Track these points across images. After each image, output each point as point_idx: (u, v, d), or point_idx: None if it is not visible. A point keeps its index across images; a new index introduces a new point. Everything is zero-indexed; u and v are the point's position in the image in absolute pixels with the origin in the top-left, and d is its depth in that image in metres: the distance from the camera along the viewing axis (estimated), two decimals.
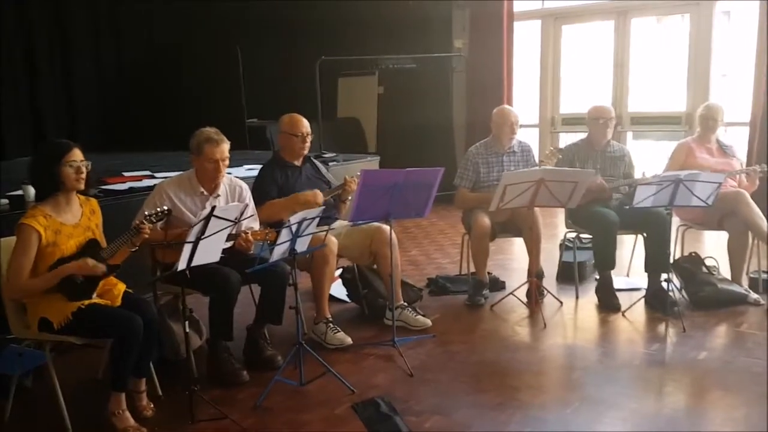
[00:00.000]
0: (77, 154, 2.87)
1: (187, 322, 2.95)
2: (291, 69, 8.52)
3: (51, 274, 2.80)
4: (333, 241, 3.80)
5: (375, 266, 4.13)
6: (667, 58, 7.93)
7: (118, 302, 2.96)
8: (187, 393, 2.95)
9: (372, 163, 6.86)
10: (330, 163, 6.15)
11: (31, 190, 3.30)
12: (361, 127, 8.99)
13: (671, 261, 4.26)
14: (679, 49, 7.37)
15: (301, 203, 3.66)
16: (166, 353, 3.32)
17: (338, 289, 4.47)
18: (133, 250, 2.94)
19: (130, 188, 4.74)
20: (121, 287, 3.04)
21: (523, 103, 8.13)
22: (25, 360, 3.08)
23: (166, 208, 3.03)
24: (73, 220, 2.92)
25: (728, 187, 4.32)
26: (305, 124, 3.96)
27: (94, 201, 3.10)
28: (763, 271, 4.43)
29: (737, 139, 6.26)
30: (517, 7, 7.85)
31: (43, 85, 8.12)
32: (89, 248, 2.90)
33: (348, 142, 8.36)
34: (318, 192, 3.79)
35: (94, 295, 2.91)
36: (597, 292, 4.39)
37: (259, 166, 4.15)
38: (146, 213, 2.96)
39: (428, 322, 3.99)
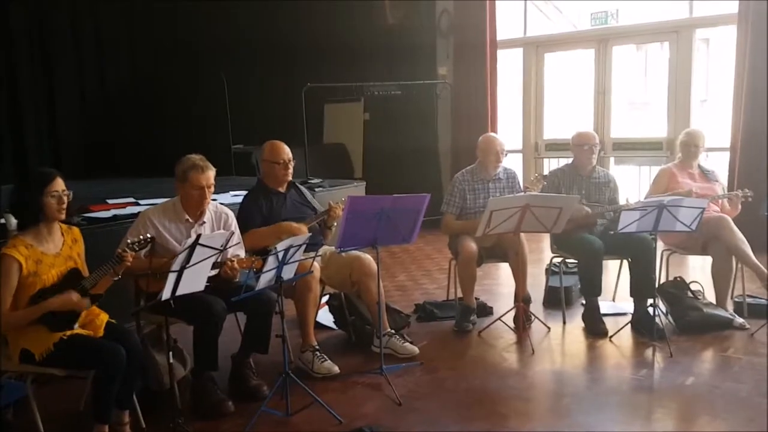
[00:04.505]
0: (59, 184, 2.85)
1: (171, 352, 2.91)
2: (277, 95, 8.57)
3: (32, 309, 2.75)
4: (316, 268, 3.77)
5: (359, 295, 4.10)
6: (647, 84, 8.07)
7: (101, 332, 2.92)
8: (171, 425, 2.89)
9: (358, 188, 6.87)
10: (316, 189, 6.15)
11: (13, 219, 3.24)
12: (347, 152, 9.02)
13: (656, 286, 4.27)
14: (660, 76, 7.50)
15: (285, 232, 3.64)
16: (150, 384, 3.25)
17: (325, 316, 4.44)
18: (116, 279, 2.91)
19: (114, 216, 4.70)
20: (104, 317, 2.99)
21: (507, 129, 8.22)
22: (6, 392, 3.01)
23: (149, 236, 3.00)
24: (54, 250, 2.88)
25: (711, 212, 4.35)
26: (286, 151, 3.95)
27: (76, 230, 3.06)
28: (748, 296, 4.46)
29: (718, 165, 6.35)
30: (500, 35, 7.95)
31: (26, 112, 8.07)
32: (71, 278, 2.86)
33: (334, 168, 8.38)
34: (302, 226, 3.78)
35: (77, 326, 2.86)
36: (584, 317, 4.38)
37: (245, 192, 4.13)
38: (129, 241, 2.92)
39: (416, 349, 3.96)
